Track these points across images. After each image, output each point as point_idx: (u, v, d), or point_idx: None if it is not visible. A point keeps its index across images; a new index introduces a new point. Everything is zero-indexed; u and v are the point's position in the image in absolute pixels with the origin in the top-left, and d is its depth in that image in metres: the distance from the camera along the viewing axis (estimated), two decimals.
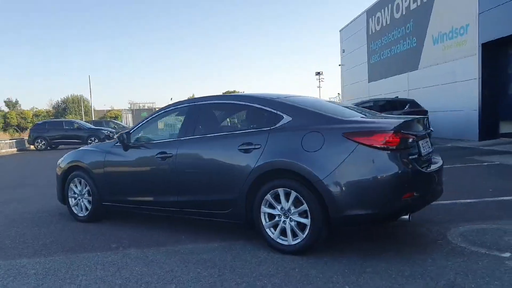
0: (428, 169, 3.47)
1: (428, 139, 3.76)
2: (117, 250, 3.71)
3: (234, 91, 66.85)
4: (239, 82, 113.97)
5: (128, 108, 43.91)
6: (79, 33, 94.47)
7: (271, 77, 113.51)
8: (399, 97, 14.43)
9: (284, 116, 3.59)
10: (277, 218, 3.44)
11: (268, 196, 3.44)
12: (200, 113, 4.14)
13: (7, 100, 53.31)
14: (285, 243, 3.39)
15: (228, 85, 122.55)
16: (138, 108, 42.91)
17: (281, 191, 3.38)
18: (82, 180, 4.79)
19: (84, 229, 4.49)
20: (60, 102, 49.07)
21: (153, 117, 4.54)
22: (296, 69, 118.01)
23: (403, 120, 3.36)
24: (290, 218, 3.37)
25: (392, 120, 3.40)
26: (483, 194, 5.30)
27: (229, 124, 4.08)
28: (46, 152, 19.69)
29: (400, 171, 3.11)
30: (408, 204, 3.19)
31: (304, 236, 3.30)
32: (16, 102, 53.48)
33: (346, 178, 3.16)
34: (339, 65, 26.28)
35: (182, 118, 4.27)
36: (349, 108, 4.19)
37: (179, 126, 4.27)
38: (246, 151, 3.56)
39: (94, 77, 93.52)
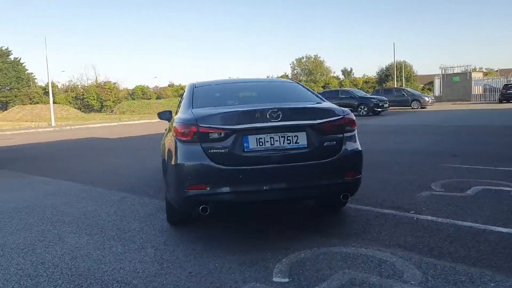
0: (253, 166, 3.19)
1: (286, 133, 3.28)
2: (111, 192, 5.87)
3: None
4: None
5: (439, 73, 41.40)
6: None
7: None
8: None
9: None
10: None
11: None
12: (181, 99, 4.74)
13: (343, 69, 61.94)
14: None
15: None
16: (450, 72, 39.66)
17: None
18: None
19: (145, 181, 6.80)
20: (384, 69, 51.75)
21: (181, 99, 4.94)
22: None
23: (210, 113, 3.38)
24: None
25: (203, 113, 3.42)
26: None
27: None
28: None
29: (180, 162, 3.26)
30: (197, 196, 3.18)
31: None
32: (351, 70, 61.28)
33: (166, 165, 3.64)
34: None
35: None
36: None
37: None
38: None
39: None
